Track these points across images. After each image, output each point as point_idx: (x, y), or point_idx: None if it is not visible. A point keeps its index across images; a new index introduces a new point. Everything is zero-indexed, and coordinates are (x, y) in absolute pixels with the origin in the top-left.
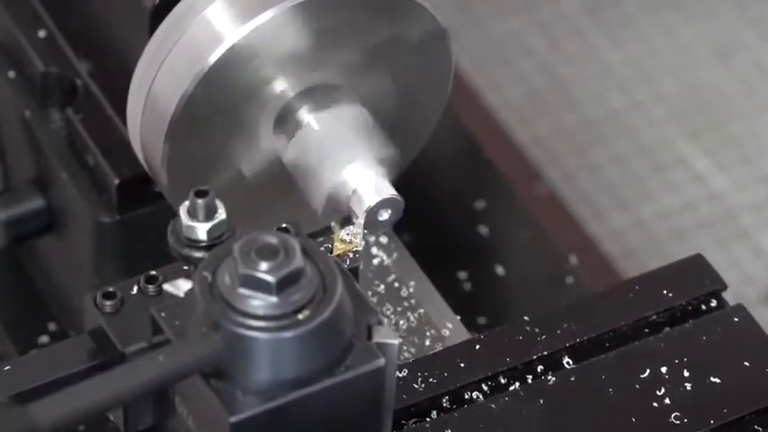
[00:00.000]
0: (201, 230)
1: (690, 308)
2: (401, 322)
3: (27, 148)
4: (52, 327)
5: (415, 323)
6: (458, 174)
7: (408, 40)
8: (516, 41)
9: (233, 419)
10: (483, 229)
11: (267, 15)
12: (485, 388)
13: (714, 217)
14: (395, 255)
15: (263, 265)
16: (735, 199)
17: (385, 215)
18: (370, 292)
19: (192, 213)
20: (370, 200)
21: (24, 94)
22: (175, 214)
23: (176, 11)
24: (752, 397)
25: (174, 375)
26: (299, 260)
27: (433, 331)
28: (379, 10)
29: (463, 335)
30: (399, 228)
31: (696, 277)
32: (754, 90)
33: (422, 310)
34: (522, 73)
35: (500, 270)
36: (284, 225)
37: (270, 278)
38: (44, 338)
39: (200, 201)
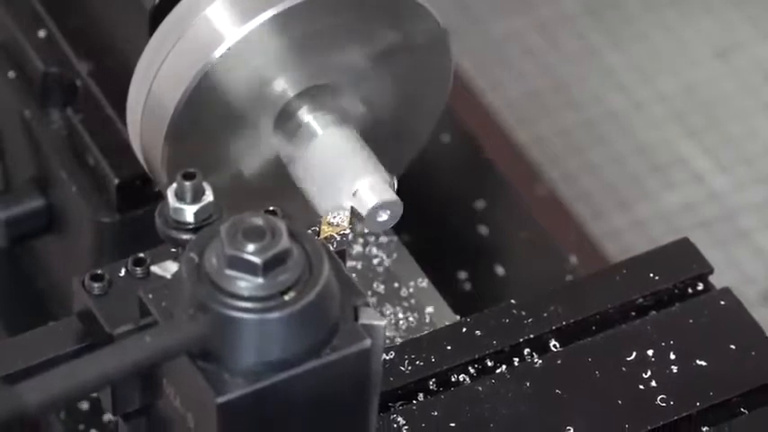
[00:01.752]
0: (189, 213)
1: (676, 291)
2: (401, 322)
3: (27, 148)
4: None
5: (414, 323)
6: (458, 174)
7: (408, 41)
8: (516, 41)
9: (220, 400)
10: (483, 229)
11: (267, 15)
12: (471, 371)
13: (714, 217)
14: (395, 255)
15: (250, 247)
16: (734, 199)
17: (384, 216)
18: (369, 292)
19: (180, 196)
20: (370, 202)
21: (24, 94)
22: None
23: (176, 11)
24: (738, 379)
25: (161, 356)
26: (285, 241)
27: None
28: (380, 10)
29: None
30: (399, 228)
31: (683, 261)
32: (754, 90)
33: (422, 310)
34: (522, 73)
35: (500, 270)
36: (271, 208)
37: (256, 259)
38: None
39: (187, 183)
